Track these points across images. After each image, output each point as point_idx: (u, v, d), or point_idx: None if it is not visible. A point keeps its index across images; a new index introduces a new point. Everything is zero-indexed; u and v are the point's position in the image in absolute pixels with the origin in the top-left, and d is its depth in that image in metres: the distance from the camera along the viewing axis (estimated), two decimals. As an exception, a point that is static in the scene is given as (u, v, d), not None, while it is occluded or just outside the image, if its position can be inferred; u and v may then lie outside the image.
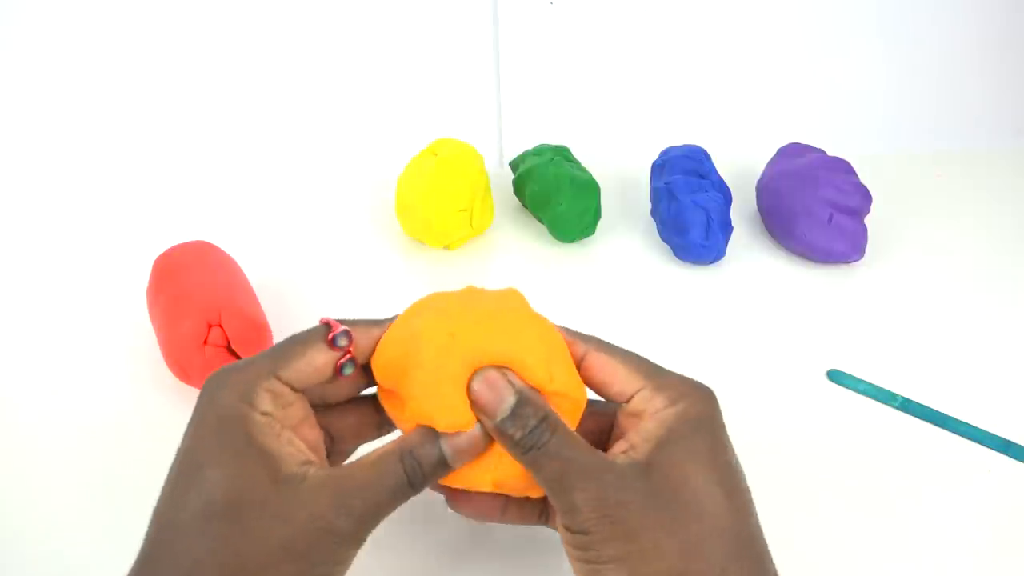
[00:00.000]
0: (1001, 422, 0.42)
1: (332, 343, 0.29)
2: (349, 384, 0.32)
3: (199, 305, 0.41)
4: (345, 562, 0.26)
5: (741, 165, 0.62)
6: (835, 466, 0.40)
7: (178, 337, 0.41)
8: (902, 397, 0.44)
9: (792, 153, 0.58)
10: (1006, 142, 0.70)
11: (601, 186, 0.56)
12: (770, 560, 0.27)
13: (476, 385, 0.28)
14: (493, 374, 0.28)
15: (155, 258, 0.47)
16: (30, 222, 0.59)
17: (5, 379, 0.45)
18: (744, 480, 0.28)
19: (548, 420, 0.27)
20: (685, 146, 0.58)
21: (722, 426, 0.29)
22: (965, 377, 0.46)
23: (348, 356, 0.30)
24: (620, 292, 0.53)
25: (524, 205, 0.60)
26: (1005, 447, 0.41)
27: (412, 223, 0.55)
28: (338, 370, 0.30)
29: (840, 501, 0.38)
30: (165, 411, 0.42)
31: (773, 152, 0.60)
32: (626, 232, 0.58)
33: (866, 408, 0.44)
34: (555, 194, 0.55)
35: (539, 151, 0.59)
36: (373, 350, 0.31)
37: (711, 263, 0.54)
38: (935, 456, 0.41)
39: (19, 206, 0.61)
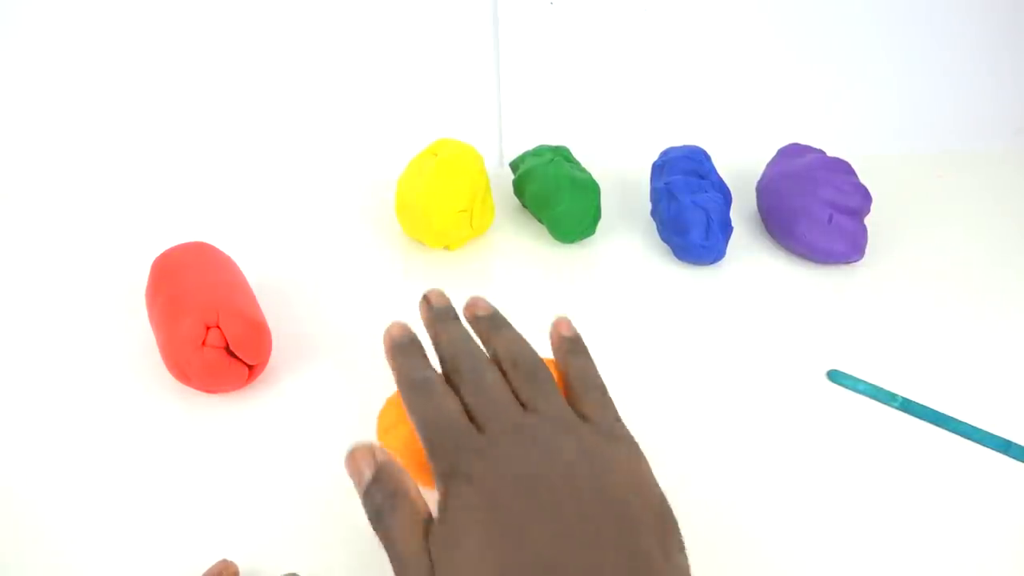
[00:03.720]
0: (1001, 422, 0.42)
1: None
2: None
3: (197, 306, 0.41)
4: None
5: (741, 166, 0.62)
6: (835, 466, 0.40)
7: (176, 338, 0.41)
8: (902, 397, 0.44)
9: (792, 153, 0.58)
10: (1006, 142, 0.71)
11: (601, 186, 0.56)
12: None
13: (346, 460, 0.29)
14: (360, 449, 0.29)
15: (154, 258, 0.47)
16: (29, 223, 0.59)
17: (4, 380, 0.45)
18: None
19: (393, 498, 0.28)
20: (685, 146, 0.58)
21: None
22: (965, 377, 0.46)
23: None
24: (620, 293, 0.53)
25: (524, 205, 0.60)
26: (1005, 447, 0.41)
27: (412, 223, 0.55)
28: None
29: (840, 501, 0.38)
30: (164, 412, 0.42)
31: (773, 152, 0.60)
32: (626, 233, 0.58)
33: (866, 408, 0.44)
34: (555, 194, 0.55)
35: (539, 151, 0.59)
36: None
37: (711, 263, 0.54)
38: (935, 456, 0.41)
39: (18, 207, 0.61)
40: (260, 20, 0.59)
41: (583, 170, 0.57)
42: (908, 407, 0.43)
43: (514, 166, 0.61)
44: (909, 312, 0.51)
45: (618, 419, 0.33)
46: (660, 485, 0.30)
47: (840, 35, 0.65)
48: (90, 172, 0.63)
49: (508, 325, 0.35)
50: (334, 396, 0.44)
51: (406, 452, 0.33)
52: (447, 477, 0.29)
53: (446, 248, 0.56)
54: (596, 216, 0.56)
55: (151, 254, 0.48)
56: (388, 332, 0.34)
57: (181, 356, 0.41)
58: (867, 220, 0.54)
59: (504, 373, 0.33)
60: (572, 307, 0.51)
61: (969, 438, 0.42)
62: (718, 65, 0.65)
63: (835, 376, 0.45)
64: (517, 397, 0.32)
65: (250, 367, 0.42)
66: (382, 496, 0.28)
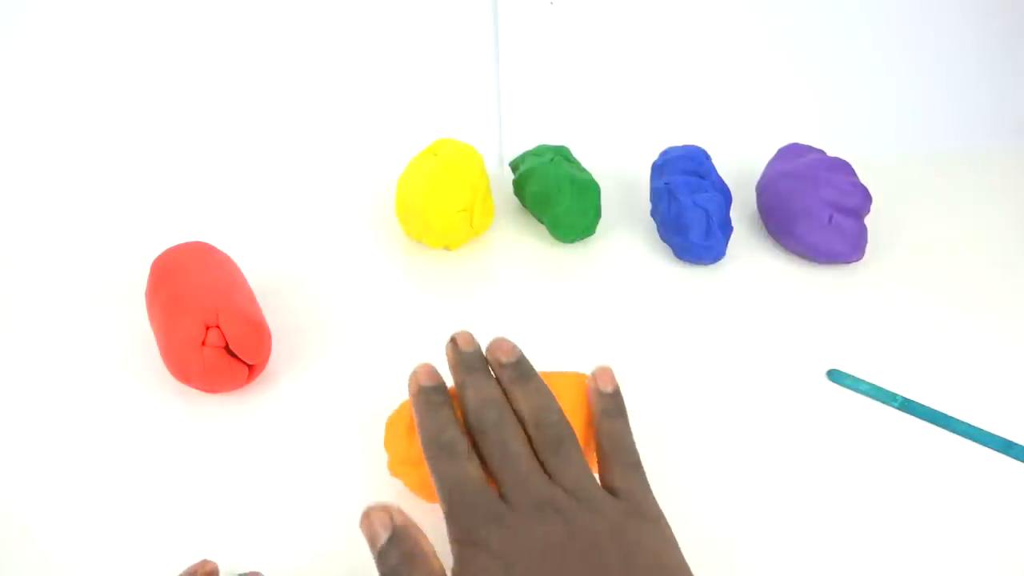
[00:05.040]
0: (1002, 422, 0.42)
1: None
2: None
3: (197, 306, 0.41)
4: None
5: (741, 165, 0.62)
6: (835, 466, 0.40)
7: (176, 338, 0.41)
8: (902, 397, 0.44)
9: (792, 153, 0.58)
10: (1006, 142, 0.71)
11: (601, 186, 0.56)
12: None
13: (361, 520, 0.29)
14: (376, 511, 0.29)
15: (154, 258, 0.47)
16: (28, 224, 0.59)
17: (4, 381, 0.45)
18: None
19: (411, 559, 0.27)
20: (685, 146, 0.58)
21: None
22: (966, 377, 0.46)
23: None
24: (620, 293, 0.53)
25: (524, 205, 0.60)
26: (1006, 447, 0.41)
27: (412, 224, 0.55)
28: None
29: (840, 502, 0.38)
30: (164, 412, 0.42)
31: (773, 152, 0.60)
32: (626, 232, 0.58)
33: (866, 408, 0.44)
34: (555, 194, 0.55)
35: (539, 151, 0.59)
36: None
37: (711, 263, 0.54)
38: (935, 456, 0.41)
39: (17, 208, 0.61)
40: (260, 20, 0.59)
41: (583, 170, 0.57)
42: (908, 407, 0.43)
43: (514, 166, 0.61)
44: (909, 312, 0.51)
45: (647, 493, 0.32)
46: (688, 567, 0.29)
47: (840, 35, 0.65)
48: (90, 172, 0.63)
49: (533, 375, 0.34)
50: (334, 396, 0.44)
51: (420, 463, 0.33)
52: (463, 544, 0.28)
53: (446, 248, 0.56)
54: (596, 216, 0.56)
55: (151, 254, 0.48)
56: (415, 376, 0.33)
57: (181, 356, 0.41)
58: (867, 220, 0.54)
59: (528, 433, 0.32)
60: (572, 307, 0.51)
61: (970, 438, 0.42)
62: (718, 65, 0.65)
63: (835, 376, 0.45)
64: (541, 463, 0.31)
65: (250, 367, 0.42)
66: (398, 557, 0.27)
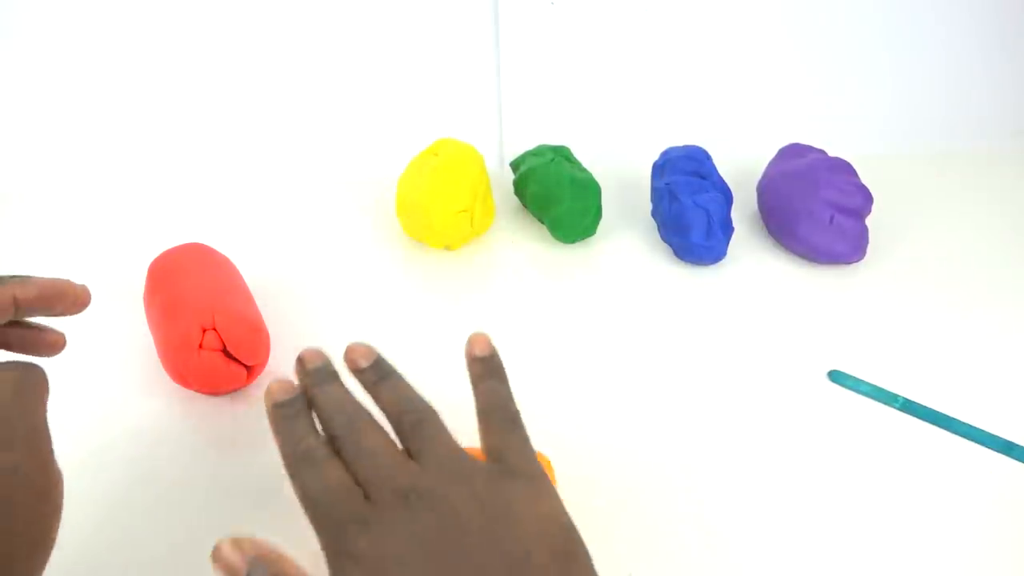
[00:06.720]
0: (1003, 423, 0.42)
1: None
2: None
3: (193, 309, 0.41)
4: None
5: (742, 165, 0.62)
6: (836, 467, 0.40)
7: (173, 340, 0.41)
8: (903, 398, 0.44)
9: (793, 153, 0.58)
10: (1006, 142, 0.70)
11: (601, 186, 0.56)
12: None
13: (215, 552, 0.27)
14: (226, 546, 0.27)
15: (152, 260, 0.46)
16: (27, 225, 0.59)
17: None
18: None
19: None
20: (686, 146, 0.58)
21: None
22: (966, 378, 0.46)
23: None
24: (621, 293, 0.52)
25: (525, 205, 0.59)
26: (1007, 448, 0.41)
27: (412, 224, 0.55)
28: None
29: (841, 502, 0.38)
30: (162, 414, 0.42)
31: (774, 152, 0.60)
32: (627, 232, 0.58)
33: (867, 409, 0.44)
34: (556, 194, 0.55)
35: (539, 151, 0.59)
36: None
37: (712, 264, 0.54)
38: (936, 457, 0.41)
39: (16, 209, 0.61)
40: (260, 21, 0.59)
41: (584, 170, 0.57)
42: (909, 408, 0.43)
43: (515, 166, 0.61)
44: (910, 312, 0.51)
45: (524, 448, 0.31)
46: (568, 515, 0.29)
47: (840, 35, 0.65)
48: (88, 174, 0.63)
49: (392, 373, 0.33)
50: (335, 397, 0.44)
51: None
52: (334, 554, 0.27)
53: (446, 248, 0.56)
54: (597, 216, 0.56)
55: (149, 255, 0.47)
56: (268, 395, 0.32)
57: (178, 359, 0.41)
58: (868, 220, 0.54)
59: (393, 426, 0.31)
60: (572, 307, 0.51)
61: (970, 439, 0.42)
62: (718, 65, 0.65)
63: (836, 377, 0.45)
64: (406, 449, 0.30)
65: (249, 368, 0.42)
66: None
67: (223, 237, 0.52)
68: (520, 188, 0.59)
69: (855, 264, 0.54)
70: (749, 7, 0.62)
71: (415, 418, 0.31)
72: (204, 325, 0.41)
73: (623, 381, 0.45)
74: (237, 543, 0.27)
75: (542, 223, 0.58)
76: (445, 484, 0.29)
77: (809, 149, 0.58)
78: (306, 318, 0.49)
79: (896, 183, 0.63)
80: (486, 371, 0.33)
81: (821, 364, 0.46)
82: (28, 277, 0.31)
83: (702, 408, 0.43)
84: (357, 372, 0.33)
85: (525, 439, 0.31)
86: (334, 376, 0.33)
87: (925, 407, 0.43)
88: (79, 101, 0.61)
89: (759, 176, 0.60)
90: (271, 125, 0.64)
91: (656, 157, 0.58)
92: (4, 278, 0.30)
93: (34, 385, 0.30)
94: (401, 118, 0.64)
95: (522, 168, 0.59)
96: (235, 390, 0.43)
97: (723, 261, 0.55)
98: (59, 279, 0.32)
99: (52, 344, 0.34)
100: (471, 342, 0.34)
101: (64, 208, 0.61)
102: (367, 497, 0.29)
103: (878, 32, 0.65)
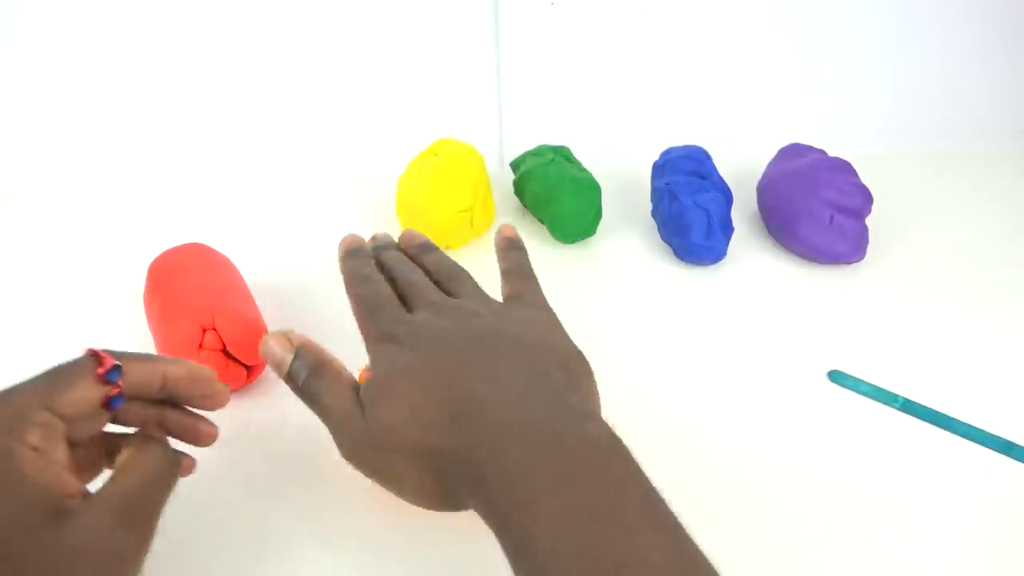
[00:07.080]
0: (1003, 423, 0.42)
1: (104, 377, 0.29)
2: (105, 418, 0.30)
3: (193, 309, 0.41)
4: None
5: (742, 165, 0.62)
6: (836, 467, 0.40)
7: (173, 341, 0.41)
8: (903, 398, 0.44)
9: (793, 153, 0.58)
10: (1006, 142, 0.70)
11: (601, 186, 0.56)
12: None
13: (261, 350, 0.33)
14: (275, 337, 0.33)
15: (151, 260, 0.46)
16: (27, 225, 0.59)
17: (3, 382, 0.45)
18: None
19: (319, 367, 0.32)
20: (686, 146, 0.58)
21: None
22: (967, 378, 0.46)
23: (118, 391, 0.29)
24: (621, 293, 0.52)
25: (525, 206, 0.59)
26: (1007, 449, 0.41)
27: (412, 224, 0.55)
28: (106, 404, 0.29)
29: (841, 503, 0.38)
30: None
31: (774, 152, 0.60)
32: (627, 233, 0.58)
33: (867, 409, 0.44)
34: (556, 194, 0.55)
35: (539, 151, 0.59)
36: (142, 383, 0.30)
37: (712, 264, 0.54)
38: (936, 458, 0.41)
39: (16, 209, 0.61)
40: (259, 21, 0.59)
41: (584, 170, 0.57)
42: (909, 408, 0.43)
43: (515, 166, 0.61)
44: (910, 312, 0.51)
45: (538, 294, 0.38)
46: (574, 344, 0.35)
47: (840, 35, 0.65)
48: (87, 174, 0.63)
49: (437, 249, 0.41)
50: (335, 397, 0.44)
51: None
52: (377, 340, 0.33)
53: (446, 248, 0.56)
54: (597, 216, 0.56)
55: (149, 255, 0.47)
56: (343, 241, 0.40)
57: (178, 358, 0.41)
58: (868, 220, 0.54)
59: (435, 280, 0.38)
60: (572, 307, 0.51)
61: (971, 439, 0.42)
62: (718, 65, 0.65)
63: (836, 377, 0.45)
64: (445, 291, 0.37)
65: (248, 368, 0.42)
66: (307, 371, 0.32)
67: (223, 237, 0.52)
68: (520, 188, 0.59)
69: (855, 264, 0.54)
70: (749, 7, 0.63)
71: (452, 273, 0.38)
72: (204, 325, 0.41)
73: (623, 381, 0.45)
74: (283, 334, 0.33)
75: (542, 223, 0.58)
76: (474, 304, 0.36)
77: (809, 149, 0.58)
78: (306, 318, 0.49)
79: (896, 183, 0.63)
80: (511, 245, 0.41)
81: (821, 364, 0.46)
82: (180, 361, 0.32)
83: (702, 408, 0.43)
84: (410, 248, 0.41)
85: (540, 288, 0.39)
86: (394, 246, 0.41)
87: (925, 407, 0.43)
88: (79, 101, 0.61)
89: (759, 176, 0.60)
90: (271, 125, 0.64)
91: (656, 157, 0.59)
92: (156, 356, 0.32)
93: (173, 474, 0.30)
94: (401, 118, 0.64)
95: (522, 168, 0.59)
96: (235, 390, 0.43)
97: (723, 261, 0.55)
98: (207, 369, 0.33)
99: (207, 435, 0.34)
100: (500, 230, 0.42)
101: (64, 208, 0.61)
102: (409, 311, 0.35)
103: (877, 32, 0.65)
